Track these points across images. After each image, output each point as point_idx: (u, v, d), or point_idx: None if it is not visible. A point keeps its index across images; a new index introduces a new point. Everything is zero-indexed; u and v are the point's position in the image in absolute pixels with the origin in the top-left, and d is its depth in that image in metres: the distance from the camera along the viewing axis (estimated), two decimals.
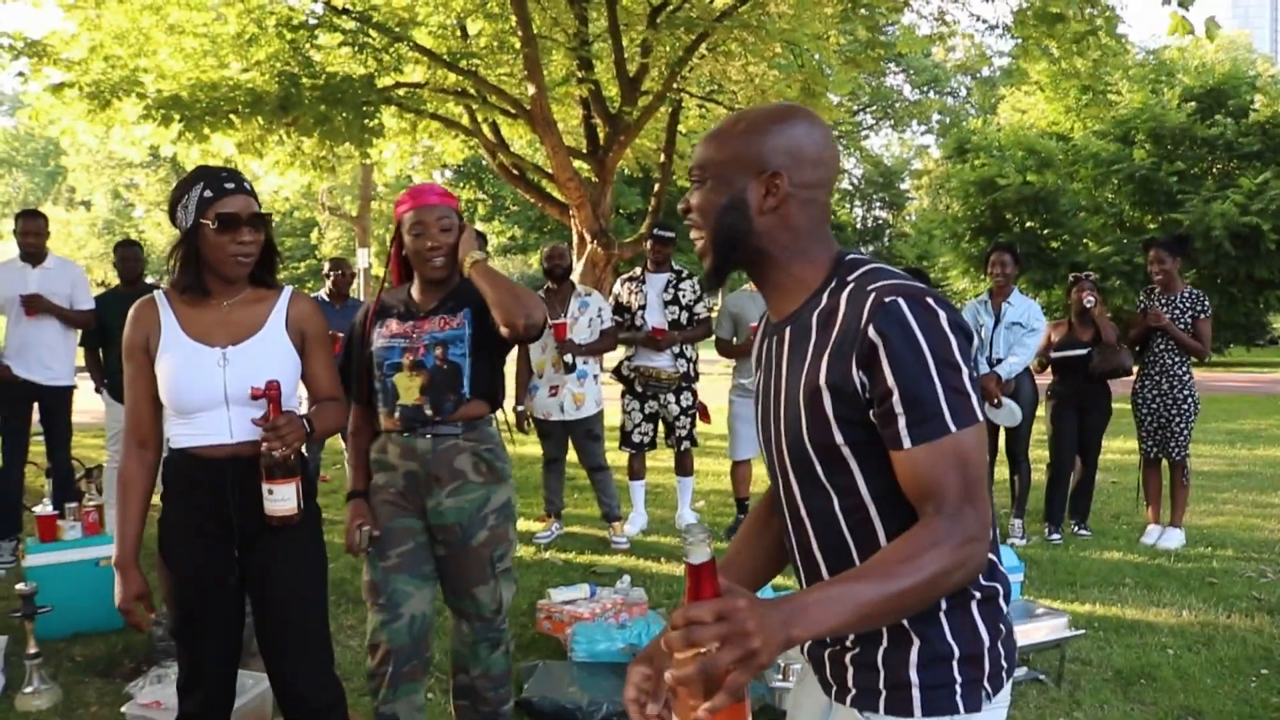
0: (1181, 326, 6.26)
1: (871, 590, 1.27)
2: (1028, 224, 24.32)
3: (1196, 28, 7.32)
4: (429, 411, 2.91)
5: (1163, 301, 6.38)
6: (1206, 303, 6.34)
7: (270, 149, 13.62)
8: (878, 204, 51.81)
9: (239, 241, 2.50)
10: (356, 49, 12.98)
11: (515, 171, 15.84)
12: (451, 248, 2.93)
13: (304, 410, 2.66)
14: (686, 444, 6.57)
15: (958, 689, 1.47)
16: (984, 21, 35.95)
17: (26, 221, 6.05)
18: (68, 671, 4.27)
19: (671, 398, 6.45)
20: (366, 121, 13.10)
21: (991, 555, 1.49)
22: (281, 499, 2.45)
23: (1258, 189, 21.59)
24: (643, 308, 6.41)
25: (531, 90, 13.28)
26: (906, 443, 1.38)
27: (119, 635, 4.67)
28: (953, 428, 1.37)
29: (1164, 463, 6.50)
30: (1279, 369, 23.31)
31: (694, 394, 6.54)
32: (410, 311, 2.99)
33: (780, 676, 3.74)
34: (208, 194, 2.48)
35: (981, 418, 1.41)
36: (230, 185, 2.50)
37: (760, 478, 7.71)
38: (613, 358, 6.71)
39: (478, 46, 14.34)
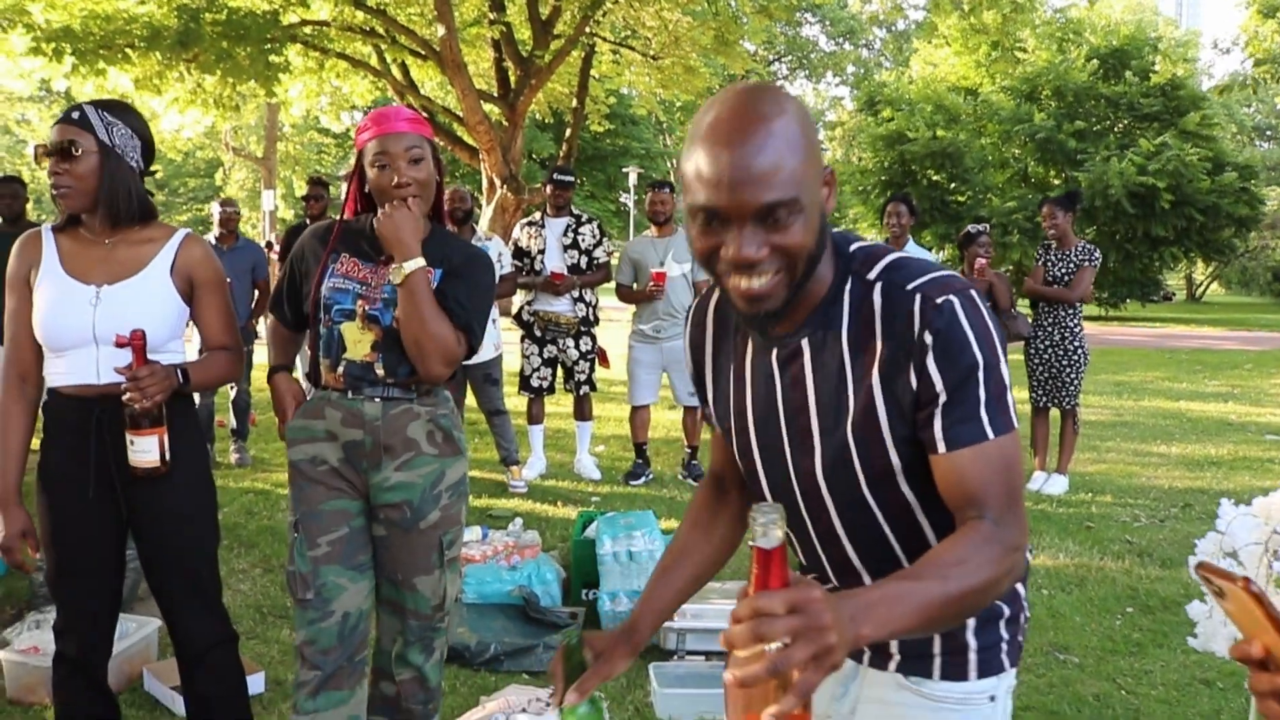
0: (1069, 278, 6.46)
1: (932, 591, 1.17)
2: (934, 178, 24.73)
3: None
4: (380, 371, 2.50)
5: (1058, 255, 6.56)
6: (1096, 255, 6.55)
7: (170, 85, 13.18)
8: None
9: (52, 172, 2.43)
10: None
11: (425, 114, 15.56)
12: (422, 184, 2.46)
13: (192, 357, 2.61)
14: (585, 389, 6.61)
15: (1004, 647, 1.48)
16: None
17: None
18: None
19: (571, 342, 6.47)
20: (271, 59, 12.78)
21: None
22: (143, 450, 2.38)
23: (1156, 150, 22.21)
24: (542, 252, 6.39)
25: (441, 31, 13.05)
26: (942, 446, 1.29)
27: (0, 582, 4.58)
28: (989, 434, 1.28)
29: (1052, 412, 6.71)
30: (1171, 324, 24.14)
31: (593, 339, 6.57)
32: (374, 250, 2.54)
33: None
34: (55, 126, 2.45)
35: (1015, 421, 1.32)
36: (60, 117, 2.44)
37: (660, 423, 7.79)
38: (512, 302, 6.69)
39: None
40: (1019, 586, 1.49)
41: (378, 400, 2.50)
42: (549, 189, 6.58)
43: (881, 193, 25.02)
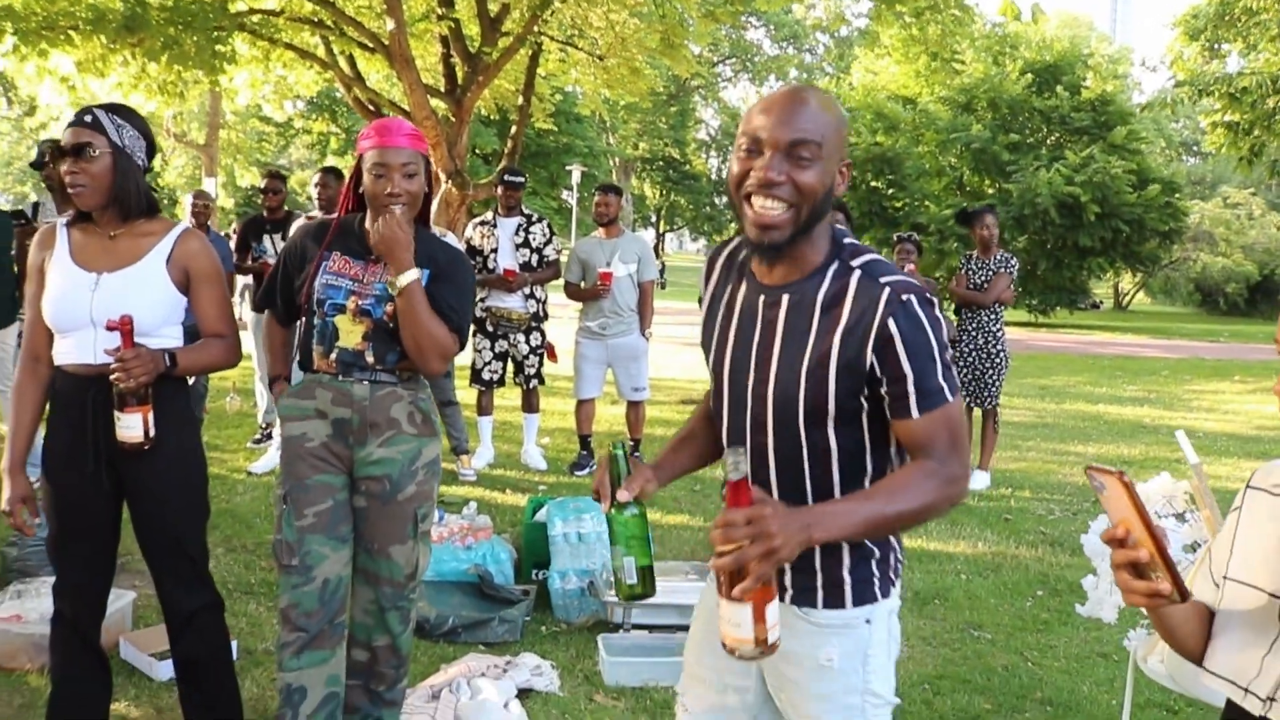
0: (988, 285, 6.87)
1: (878, 507, 1.63)
2: (873, 184, 25.25)
3: (1024, 13, 7.89)
4: (370, 358, 2.74)
5: (979, 263, 6.95)
6: (1014, 263, 6.97)
7: (113, 70, 13.11)
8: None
9: (67, 171, 2.63)
10: None
11: (371, 107, 15.62)
12: (413, 196, 2.70)
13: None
14: (534, 382, 6.86)
15: (875, 581, 1.83)
16: None
17: None
18: None
19: (521, 337, 6.72)
20: (218, 48, 12.79)
21: None
22: (128, 427, 2.58)
23: (1083, 162, 22.92)
24: (495, 251, 6.63)
25: (390, 25, 13.14)
26: (915, 414, 1.68)
27: None
28: (949, 398, 1.69)
29: (975, 412, 7.09)
30: (1097, 331, 24.91)
31: (543, 334, 6.82)
32: (363, 249, 2.77)
33: (613, 592, 4.08)
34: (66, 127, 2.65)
35: (960, 388, 1.74)
36: (73, 120, 2.63)
37: (604, 417, 8.06)
38: None
39: None
40: (892, 537, 1.85)
41: (366, 383, 2.74)
42: (500, 190, 6.81)
43: None
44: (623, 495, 1.78)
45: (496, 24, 14.63)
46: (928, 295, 1.70)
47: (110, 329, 2.57)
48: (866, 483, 1.78)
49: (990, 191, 24.67)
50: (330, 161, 27.52)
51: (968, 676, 3.90)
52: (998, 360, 6.90)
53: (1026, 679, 3.91)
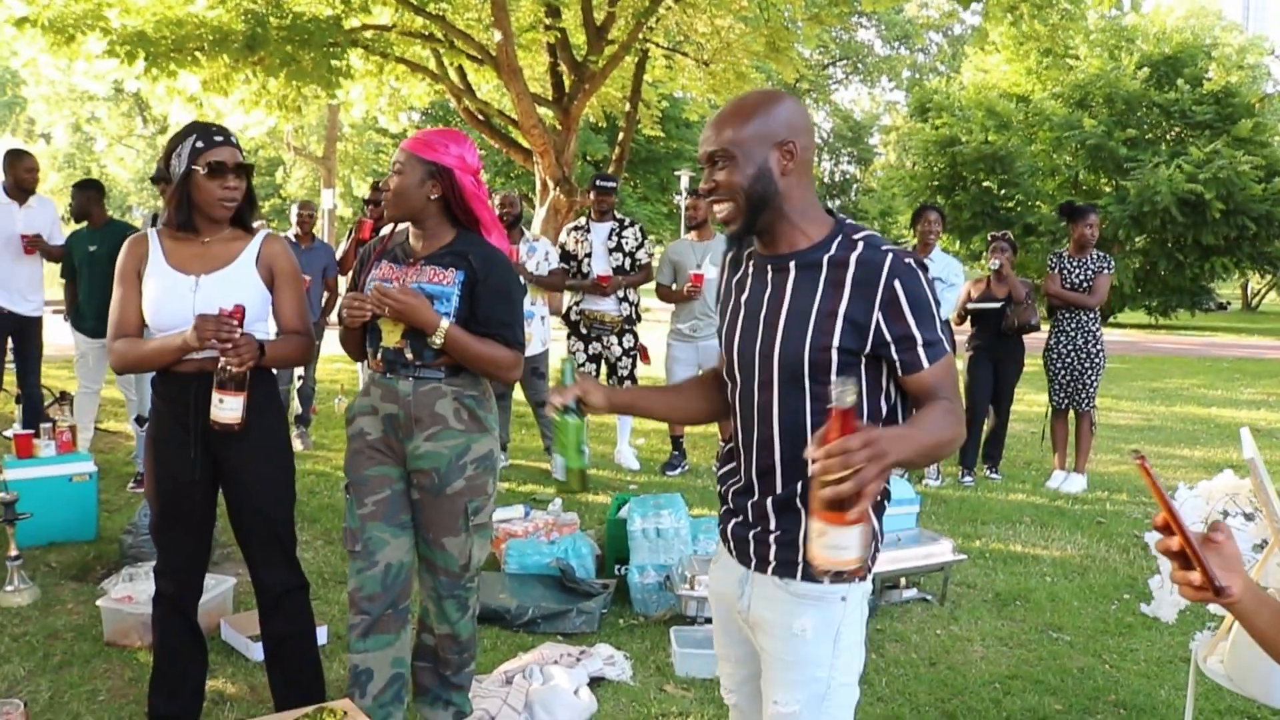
0: (1089, 285, 6.76)
1: (926, 436, 1.79)
2: (984, 183, 24.81)
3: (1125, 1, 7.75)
4: (409, 355, 2.87)
5: (1075, 262, 6.86)
6: (1112, 262, 6.86)
7: (236, 87, 13.70)
8: (846, 158, 52.20)
9: (225, 186, 2.86)
10: None
11: (481, 117, 16.03)
12: (394, 194, 2.87)
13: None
14: (627, 384, 7.01)
15: None
16: None
17: (25, 159, 6.32)
18: (44, 575, 4.66)
19: (614, 339, 6.88)
20: (333, 63, 13.26)
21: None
22: (229, 409, 2.78)
23: (1206, 158, 22.12)
24: (588, 255, 6.80)
25: (498, 36, 13.45)
26: (926, 364, 1.87)
27: (91, 545, 5.08)
28: (946, 350, 1.90)
29: (1071, 413, 7.00)
30: (1221, 333, 24.03)
31: (635, 336, 6.97)
32: (405, 255, 2.96)
33: (688, 587, 4.19)
34: (199, 144, 2.83)
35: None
36: (219, 138, 2.85)
37: None
38: (561, 302, 7.10)
39: None
40: (874, 516, 1.94)
41: (410, 379, 2.89)
42: (592, 195, 7.00)
43: (931, 197, 25.16)
44: (556, 400, 2.00)
45: (602, 32, 14.84)
46: (921, 260, 1.89)
47: (222, 316, 2.78)
48: None
49: (1107, 190, 24.01)
50: None
51: (1040, 677, 3.90)
52: (1096, 361, 6.81)
53: (1101, 681, 3.89)
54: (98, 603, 4.03)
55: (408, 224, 3.00)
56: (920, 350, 1.86)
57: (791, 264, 1.93)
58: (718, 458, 7.03)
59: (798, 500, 1.92)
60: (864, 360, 1.89)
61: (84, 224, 6.42)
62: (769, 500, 1.96)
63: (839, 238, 1.92)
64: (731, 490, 2.06)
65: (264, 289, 3.00)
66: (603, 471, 7.01)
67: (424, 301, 2.79)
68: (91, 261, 6.21)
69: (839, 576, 1.75)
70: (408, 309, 2.77)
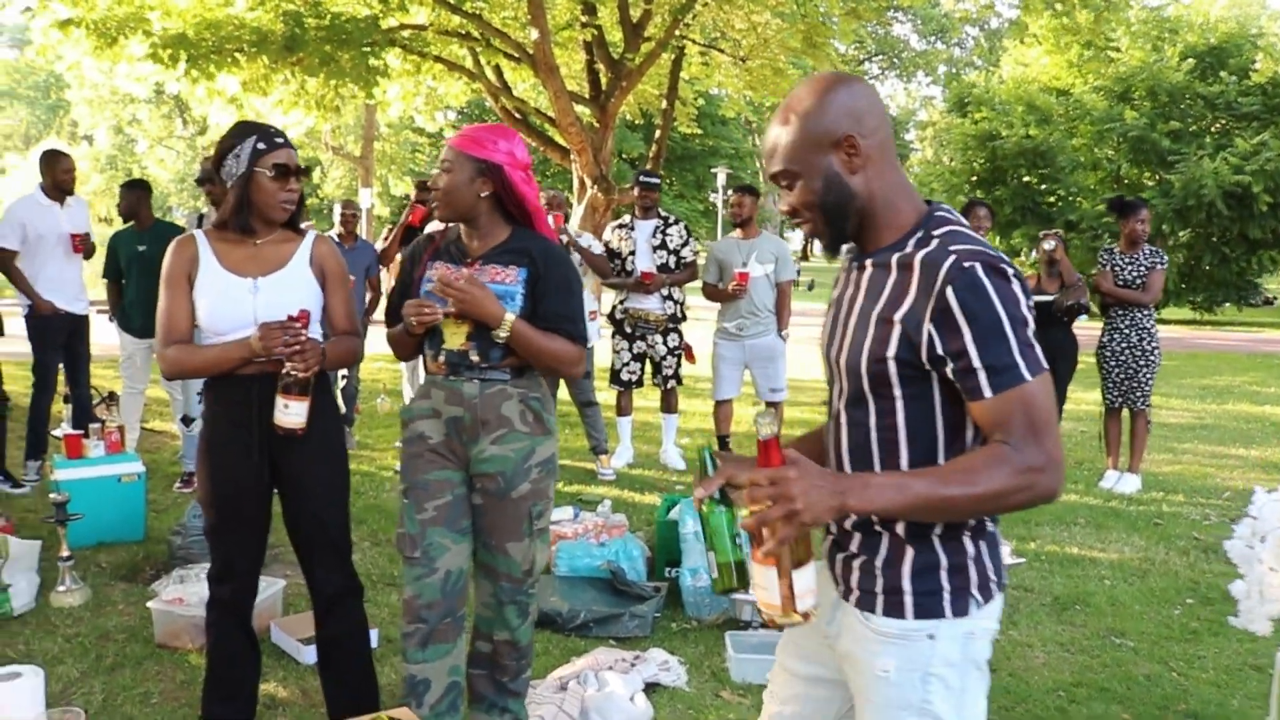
0: (1142, 281, 6.62)
1: (926, 487, 1.55)
2: (1025, 179, 24.50)
3: None
4: (475, 357, 2.82)
5: (1126, 259, 6.72)
6: (1164, 257, 6.72)
7: (275, 88, 13.76)
8: None
9: (288, 189, 2.84)
10: None
11: (518, 115, 16.00)
12: (442, 191, 2.82)
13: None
14: (672, 383, 6.94)
15: (944, 595, 1.70)
16: None
17: (63, 160, 6.34)
18: (94, 575, 4.66)
19: (659, 338, 6.81)
20: (371, 62, 13.29)
21: None
22: (294, 414, 2.76)
23: (1254, 149, 21.73)
24: (632, 253, 6.74)
25: (535, 34, 13.43)
26: (987, 393, 1.59)
27: (140, 546, 5.08)
28: (1026, 376, 1.57)
29: (1124, 412, 6.86)
30: (1269, 329, 23.62)
31: (680, 335, 6.90)
32: (460, 254, 2.90)
33: (742, 591, 4.10)
34: (260, 146, 2.81)
35: (1046, 366, 1.61)
36: (280, 140, 2.84)
37: (743, 418, 8.07)
38: (603, 300, 7.05)
39: None
40: (968, 543, 1.72)
41: (475, 381, 2.83)
42: (636, 191, 6.93)
43: (970, 192, 24.89)
44: (698, 493, 1.79)
45: (639, 29, 14.78)
46: (999, 265, 1.60)
47: (290, 321, 2.77)
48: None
49: (1150, 183, 23.61)
50: None
51: (1106, 685, 3.80)
52: (1152, 359, 6.68)
53: (1170, 690, 3.78)
54: (149, 604, 4.01)
55: (458, 223, 2.93)
56: (980, 376, 1.58)
57: (869, 262, 1.77)
58: None
59: (875, 523, 1.75)
60: (934, 380, 1.66)
61: (129, 224, 6.43)
62: (848, 519, 1.79)
63: (918, 233, 1.71)
64: None
65: (318, 290, 2.99)
66: (648, 472, 6.95)
67: (488, 292, 2.75)
68: (139, 261, 6.22)
69: (796, 614, 1.56)
70: (473, 299, 2.72)
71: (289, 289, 2.90)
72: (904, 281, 1.67)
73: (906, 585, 1.71)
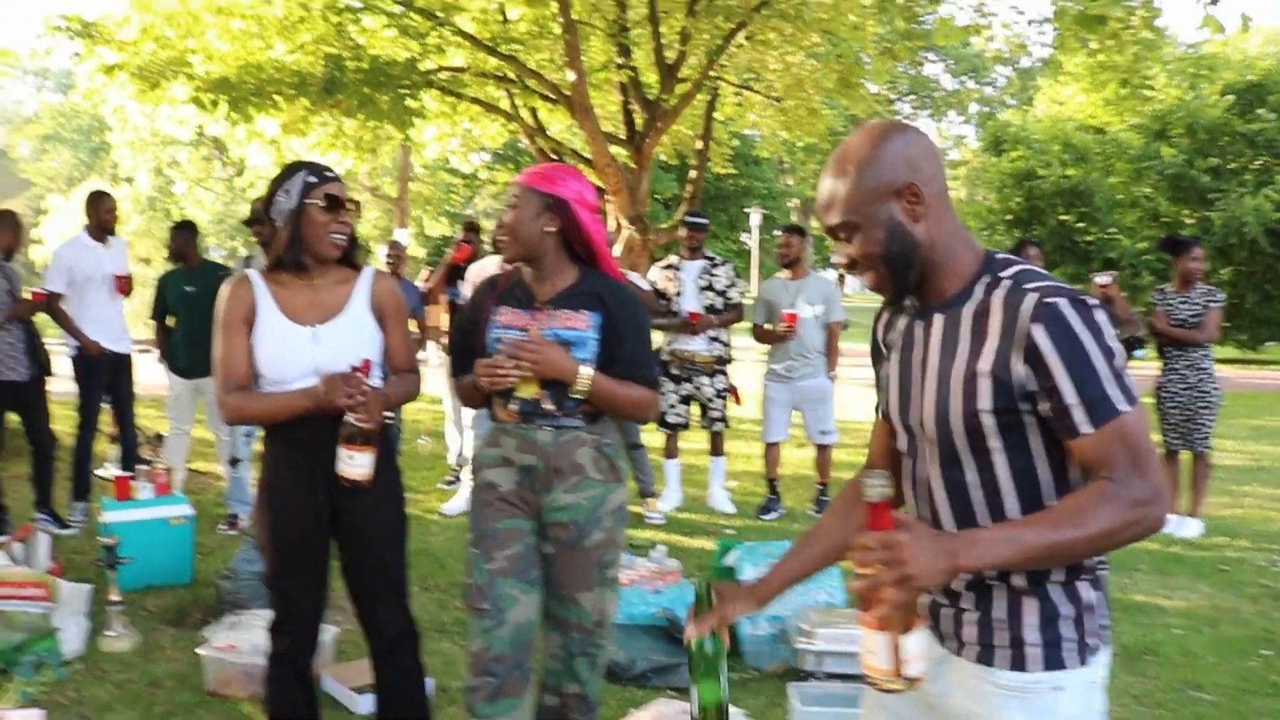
0: (1197, 320, 6.49)
1: (1037, 535, 1.51)
2: (1063, 217, 24.34)
3: (1229, 26, 7.51)
4: (549, 406, 2.74)
5: (1180, 298, 6.60)
6: (1220, 296, 6.61)
7: (313, 129, 13.89)
8: None
9: (340, 221, 2.79)
10: (400, 32, 13.25)
11: (554, 156, 16.03)
12: (509, 227, 2.75)
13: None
14: (719, 425, 6.84)
15: (1069, 645, 1.66)
16: (1022, 14, 35.82)
17: (107, 200, 6.37)
18: (142, 620, 4.60)
19: (706, 380, 6.73)
20: (409, 104, 13.39)
21: None
22: (359, 465, 2.70)
23: None
24: (679, 294, 6.67)
25: (571, 76, 13.48)
26: (1086, 429, 1.56)
27: (188, 590, 5.02)
28: (1123, 408, 1.55)
29: (1181, 455, 6.70)
30: None
31: (727, 376, 6.81)
32: (527, 298, 2.81)
33: (806, 640, 4.00)
34: (311, 179, 2.78)
35: (1139, 396, 1.59)
36: (329, 174, 2.81)
37: (790, 461, 7.96)
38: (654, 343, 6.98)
39: (518, 32, 14.53)
40: (1086, 590, 1.68)
41: (549, 429, 2.75)
42: (683, 232, 6.88)
43: (1007, 232, 24.75)
44: (689, 633, 1.75)
45: (674, 71, 14.82)
46: (1082, 298, 1.59)
47: (352, 371, 2.71)
48: None
49: (1189, 221, 23.39)
50: None
51: None
52: (1211, 399, 6.53)
53: None
54: (199, 651, 3.94)
55: (523, 265, 2.85)
56: (1076, 413, 1.56)
57: (936, 316, 1.73)
58: (813, 500, 6.77)
59: (988, 577, 1.68)
60: (1032, 423, 1.63)
61: (177, 265, 6.45)
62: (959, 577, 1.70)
63: (984, 278, 1.69)
64: None
65: (378, 333, 2.92)
66: (697, 515, 6.84)
67: (560, 350, 2.68)
68: (187, 301, 6.23)
69: (905, 680, 1.50)
70: (546, 362, 2.65)
71: (349, 336, 2.84)
72: (981, 330, 1.65)
73: (1031, 637, 1.67)
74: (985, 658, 1.69)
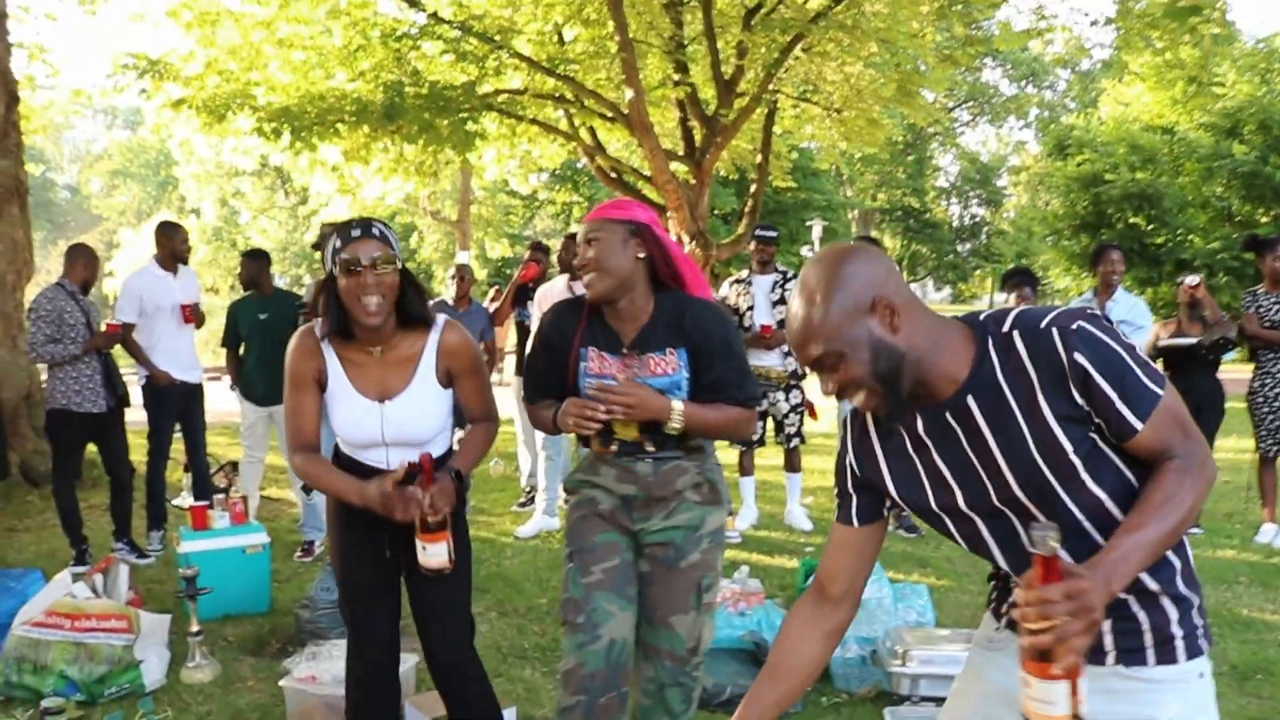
0: None
1: (1155, 532, 1.56)
2: (1131, 220, 23.84)
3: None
4: (651, 447, 2.73)
5: (1272, 299, 6.35)
6: None
7: (374, 155, 14.02)
8: (974, 201, 51.03)
9: (362, 284, 2.57)
10: (458, 57, 13.33)
11: (613, 174, 16.04)
12: (591, 262, 2.65)
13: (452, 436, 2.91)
14: (795, 441, 6.71)
15: (1199, 632, 1.76)
16: (1086, 14, 35.23)
17: (180, 231, 6.42)
18: (221, 650, 4.57)
19: (781, 395, 6.60)
20: (469, 127, 13.46)
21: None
22: (434, 554, 2.63)
23: None
24: (751, 309, 6.56)
25: (629, 94, 13.46)
26: (1139, 426, 1.63)
27: (265, 618, 4.99)
28: (1159, 393, 1.63)
29: (1279, 460, 6.44)
30: None
31: (802, 392, 6.67)
32: (614, 342, 2.72)
33: (899, 662, 3.85)
34: (337, 244, 2.61)
35: (1160, 372, 1.68)
36: (356, 233, 2.60)
37: None
38: None
39: (575, 52, 14.57)
40: (1192, 577, 1.77)
41: (650, 460, 2.73)
42: (752, 246, 6.77)
43: (1074, 237, 24.29)
44: None
45: (731, 85, 14.74)
46: (1087, 312, 1.67)
47: (411, 472, 2.62)
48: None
49: (1264, 220, 22.77)
50: (575, 229, 28.44)
51: None
52: None
53: None
54: (280, 683, 3.89)
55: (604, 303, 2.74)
56: (1128, 417, 1.63)
57: (969, 399, 1.71)
58: (895, 516, 6.60)
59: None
60: (1097, 440, 1.68)
61: (249, 292, 6.47)
62: None
63: (991, 341, 1.71)
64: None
65: (446, 395, 2.83)
66: (774, 533, 6.70)
67: (650, 392, 2.63)
68: (260, 329, 6.25)
69: None
70: (639, 405, 2.61)
71: (416, 409, 2.77)
72: (1025, 384, 1.66)
73: (1175, 630, 1.74)
74: (1134, 659, 1.74)
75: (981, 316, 1.75)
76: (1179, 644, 1.73)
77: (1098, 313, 1.67)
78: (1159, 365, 6.66)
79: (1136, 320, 6.37)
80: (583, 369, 2.74)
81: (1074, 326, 1.63)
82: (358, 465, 2.83)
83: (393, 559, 2.85)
